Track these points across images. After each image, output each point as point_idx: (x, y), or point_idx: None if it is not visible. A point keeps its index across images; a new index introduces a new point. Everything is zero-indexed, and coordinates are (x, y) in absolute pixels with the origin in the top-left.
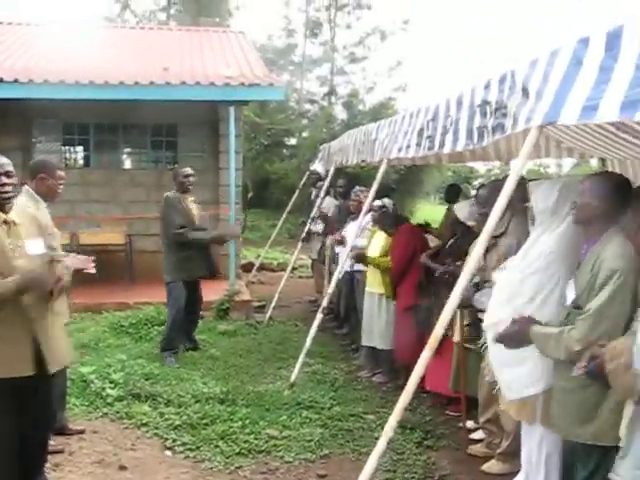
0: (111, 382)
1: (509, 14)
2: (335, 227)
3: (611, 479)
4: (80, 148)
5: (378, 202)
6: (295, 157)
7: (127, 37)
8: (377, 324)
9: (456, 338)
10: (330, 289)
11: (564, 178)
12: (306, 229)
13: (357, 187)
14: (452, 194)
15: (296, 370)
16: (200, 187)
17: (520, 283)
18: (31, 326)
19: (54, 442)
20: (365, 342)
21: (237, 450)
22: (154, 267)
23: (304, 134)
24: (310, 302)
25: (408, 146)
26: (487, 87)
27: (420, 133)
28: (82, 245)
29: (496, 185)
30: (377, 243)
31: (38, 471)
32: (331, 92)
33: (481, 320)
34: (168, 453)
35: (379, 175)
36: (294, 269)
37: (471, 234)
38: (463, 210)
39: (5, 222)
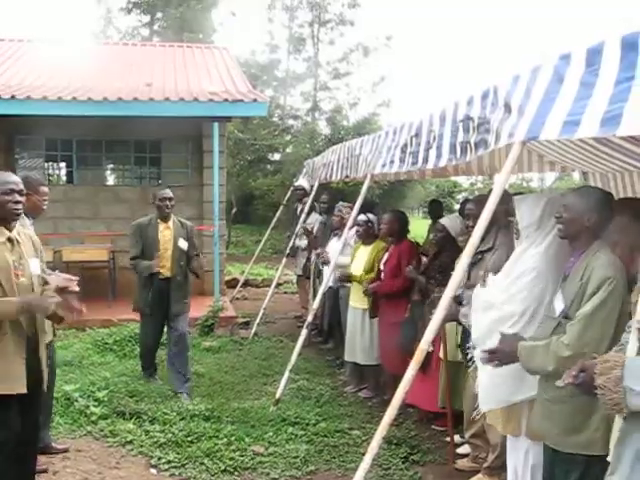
0: (95, 400)
1: (491, 29)
2: (319, 243)
3: None
4: (63, 164)
5: (363, 217)
6: (279, 173)
7: (110, 53)
8: (360, 339)
9: (441, 354)
10: (315, 305)
11: (548, 193)
12: (290, 244)
13: (340, 203)
14: (435, 210)
15: (281, 386)
16: (184, 203)
17: (506, 302)
18: (27, 344)
19: (38, 462)
20: (348, 358)
21: (223, 467)
22: None
23: (288, 150)
24: (295, 318)
25: (392, 161)
26: (470, 103)
27: (404, 149)
28: (65, 262)
29: (485, 199)
30: (361, 258)
31: None
32: (315, 108)
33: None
34: (153, 471)
35: (363, 190)
36: (279, 285)
37: (457, 250)
38: (455, 225)
39: (9, 240)
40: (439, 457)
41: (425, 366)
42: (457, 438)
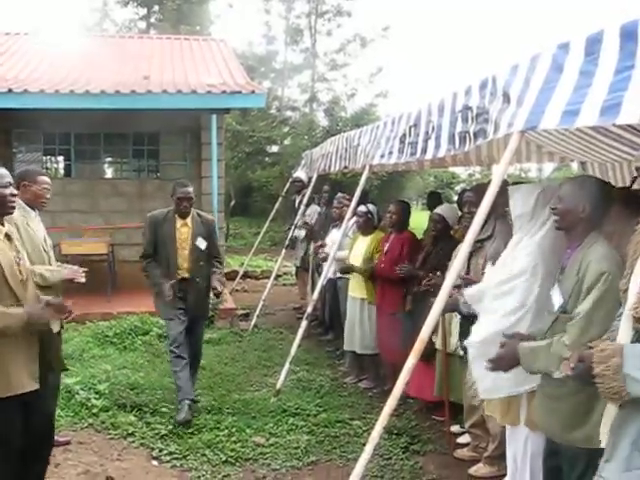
0: (96, 392)
1: (490, 19)
2: (319, 234)
3: None
4: (61, 158)
5: (363, 208)
6: (277, 164)
7: (108, 46)
8: (359, 329)
9: (439, 345)
10: (314, 296)
11: (543, 183)
12: (289, 236)
13: (340, 194)
14: (435, 202)
15: (282, 377)
16: None
17: (502, 296)
18: (36, 340)
19: None
20: (347, 347)
21: (224, 459)
22: (137, 277)
23: (286, 141)
24: (295, 309)
25: (390, 152)
26: (468, 93)
27: (402, 139)
28: (64, 255)
29: (484, 188)
30: (359, 249)
31: None
32: (312, 99)
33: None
34: (155, 463)
35: (362, 181)
36: (278, 276)
37: (453, 241)
38: (452, 214)
39: (6, 235)
40: (439, 447)
41: (428, 356)
42: (457, 428)
